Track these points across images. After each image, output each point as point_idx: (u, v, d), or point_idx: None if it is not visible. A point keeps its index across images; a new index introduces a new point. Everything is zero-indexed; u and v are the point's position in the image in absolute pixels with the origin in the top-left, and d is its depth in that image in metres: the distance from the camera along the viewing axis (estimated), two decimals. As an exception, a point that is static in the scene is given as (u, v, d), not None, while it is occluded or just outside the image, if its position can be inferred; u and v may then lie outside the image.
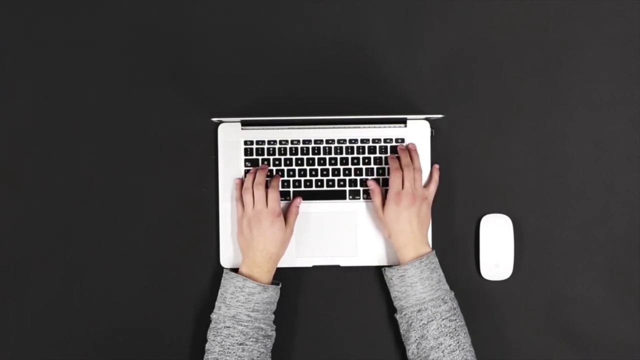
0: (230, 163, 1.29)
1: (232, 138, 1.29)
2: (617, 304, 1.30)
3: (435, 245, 1.28)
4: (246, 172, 1.28)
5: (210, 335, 1.18)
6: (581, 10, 1.31)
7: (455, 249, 1.30)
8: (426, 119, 1.28)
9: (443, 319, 1.16)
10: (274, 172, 1.28)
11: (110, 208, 1.30)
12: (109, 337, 1.29)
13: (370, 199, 1.26)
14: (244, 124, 1.28)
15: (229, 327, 1.16)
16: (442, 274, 1.21)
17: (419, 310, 1.17)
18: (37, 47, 1.30)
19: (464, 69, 1.31)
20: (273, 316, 1.21)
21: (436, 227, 1.29)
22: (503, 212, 1.30)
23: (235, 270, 1.23)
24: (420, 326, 1.17)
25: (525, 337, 1.30)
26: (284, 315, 1.24)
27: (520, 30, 1.31)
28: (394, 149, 1.28)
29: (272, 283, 1.22)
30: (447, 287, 1.20)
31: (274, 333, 1.20)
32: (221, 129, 1.29)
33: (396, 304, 1.22)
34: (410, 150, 1.26)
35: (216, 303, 1.20)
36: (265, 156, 1.28)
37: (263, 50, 1.31)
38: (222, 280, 1.21)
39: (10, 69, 1.31)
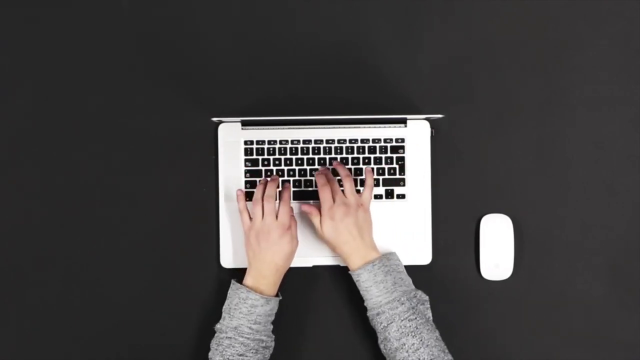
0: (230, 163, 1.29)
1: (232, 138, 1.29)
2: (617, 304, 1.30)
3: (435, 245, 1.28)
4: (246, 172, 1.28)
5: (213, 344, 1.18)
6: (581, 10, 1.31)
7: (455, 249, 1.30)
8: (426, 119, 1.28)
9: (402, 320, 1.15)
10: (274, 173, 1.28)
11: (110, 208, 1.30)
12: (108, 337, 1.29)
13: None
14: (244, 124, 1.28)
15: (230, 337, 1.16)
16: (399, 275, 1.19)
17: (377, 314, 1.17)
18: (37, 47, 1.30)
19: (464, 69, 1.31)
20: (272, 326, 1.21)
21: (436, 227, 1.29)
22: (503, 212, 1.30)
23: (240, 270, 1.23)
24: (381, 329, 1.17)
25: (525, 337, 1.30)
26: (284, 315, 1.24)
27: (520, 30, 1.31)
28: (394, 149, 1.28)
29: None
30: (405, 287, 1.18)
31: (273, 343, 1.20)
32: (221, 129, 1.29)
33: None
34: (335, 164, 1.25)
35: (222, 312, 1.20)
36: (265, 156, 1.28)
37: (263, 51, 1.31)
38: (229, 291, 1.20)
39: (10, 69, 1.30)
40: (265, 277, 1.19)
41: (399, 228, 1.28)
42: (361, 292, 1.20)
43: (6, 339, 1.29)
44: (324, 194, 1.20)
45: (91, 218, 1.29)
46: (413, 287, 1.20)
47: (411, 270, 1.25)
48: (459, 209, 1.30)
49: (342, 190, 1.21)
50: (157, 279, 1.29)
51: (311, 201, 1.27)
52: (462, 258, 1.30)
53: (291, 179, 1.28)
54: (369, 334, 1.29)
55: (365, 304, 1.20)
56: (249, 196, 1.26)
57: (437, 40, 1.31)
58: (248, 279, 1.20)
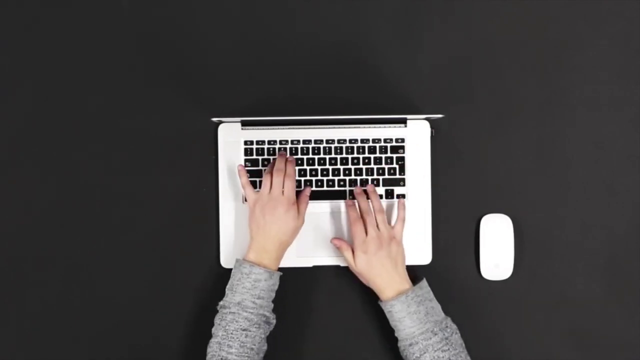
0: (230, 163, 1.29)
1: (232, 138, 1.29)
2: (617, 304, 1.30)
3: (435, 245, 1.28)
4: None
5: (216, 319, 1.18)
6: (581, 10, 1.31)
7: (455, 249, 1.30)
8: (426, 119, 1.28)
9: (435, 351, 1.15)
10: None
11: (110, 208, 1.30)
12: (108, 337, 1.29)
13: (369, 198, 1.26)
14: (244, 124, 1.28)
15: (233, 312, 1.16)
16: (431, 305, 1.20)
17: (410, 344, 1.17)
18: (37, 47, 1.30)
19: (464, 69, 1.31)
20: (272, 304, 1.20)
21: (436, 227, 1.29)
22: (503, 212, 1.30)
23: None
24: (414, 359, 1.17)
25: (525, 337, 1.30)
26: (284, 315, 1.24)
27: (520, 30, 1.31)
28: (394, 149, 1.28)
29: None
30: (437, 317, 1.19)
31: (274, 321, 1.20)
32: (221, 129, 1.29)
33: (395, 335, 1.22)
34: (369, 192, 1.25)
35: (225, 290, 1.20)
36: (265, 156, 1.28)
37: (263, 51, 1.31)
38: (232, 269, 1.21)
39: (10, 69, 1.30)
40: (268, 251, 1.20)
41: (399, 228, 1.28)
42: (392, 323, 1.20)
43: (6, 339, 1.29)
44: (357, 228, 1.21)
45: (91, 218, 1.29)
46: (443, 315, 1.20)
47: (411, 270, 1.25)
48: (459, 209, 1.30)
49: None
50: (157, 279, 1.29)
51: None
52: (462, 258, 1.30)
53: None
54: (369, 334, 1.29)
55: (396, 335, 1.20)
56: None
57: (437, 40, 1.31)
58: (250, 254, 1.20)
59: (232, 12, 1.31)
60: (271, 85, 1.31)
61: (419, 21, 1.31)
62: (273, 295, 1.20)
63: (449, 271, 1.28)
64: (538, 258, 1.30)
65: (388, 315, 1.21)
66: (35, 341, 1.29)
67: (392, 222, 1.26)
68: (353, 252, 1.22)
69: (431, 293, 1.21)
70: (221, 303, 1.19)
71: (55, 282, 1.29)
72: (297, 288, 1.28)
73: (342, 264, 1.28)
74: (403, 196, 1.28)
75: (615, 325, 1.30)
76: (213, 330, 1.18)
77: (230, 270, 1.27)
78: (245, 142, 1.29)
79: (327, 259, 1.28)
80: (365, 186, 1.27)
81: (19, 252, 1.29)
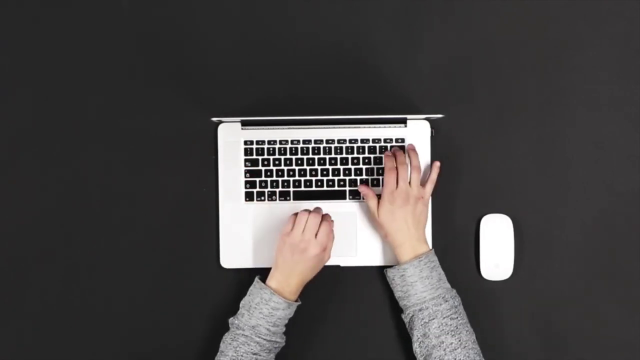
0: (230, 163, 1.29)
1: (232, 138, 1.29)
2: (617, 304, 1.30)
3: (435, 245, 1.28)
4: (246, 172, 1.28)
5: (227, 337, 1.18)
6: (581, 10, 1.31)
7: (455, 249, 1.30)
8: (426, 119, 1.28)
9: (444, 317, 1.16)
10: (273, 173, 1.28)
11: (110, 208, 1.30)
12: (108, 338, 1.29)
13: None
14: (244, 124, 1.28)
15: (247, 335, 1.16)
16: (442, 272, 1.21)
17: (420, 309, 1.17)
18: (37, 47, 1.30)
19: (464, 68, 1.31)
20: (285, 328, 1.21)
21: (436, 227, 1.29)
22: (503, 212, 1.30)
23: (240, 270, 1.23)
24: (421, 325, 1.17)
25: (525, 337, 1.30)
26: (284, 315, 1.24)
27: (520, 30, 1.31)
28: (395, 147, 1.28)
29: None
30: (447, 285, 1.20)
31: (284, 343, 1.21)
32: (221, 129, 1.29)
33: (400, 303, 1.22)
34: (409, 150, 1.26)
35: (240, 308, 1.19)
36: (265, 156, 1.28)
37: (263, 51, 1.31)
38: (251, 288, 1.20)
39: (10, 69, 1.31)
40: (289, 284, 1.19)
41: (399, 228, 1.28)
42: (402, 289, 1.20)
43: (6, 339, 1.29)
44: (389, 178, 1.21)
45: (91, 218, 1.29)
46: (449, 285, 1.21)
47: (411, 270, 1.25)
48: (459, 209, 1.30)
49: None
50: (157, 279, 1.29)
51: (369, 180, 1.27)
52: (462, 258, 1.30)
53: (291, 179, 1.27)
54: (370, 334, 1.29)
55: (403, 302, 1.20)
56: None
57: (437, 40, 1.31)
58: (272, 282, 1.20)
59: (232, 12, 1.31)
60: (271, 85, 1.31)
61: (419, 21, 1.31)
62: (287, 321, 1.21)
63: (449, 271, 1.27)
64: (538, 258, 1.30)
65: (398, 280, 1.20)
66: (35, 341, 1.29)
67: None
68: (379, 202, 1.22)
69: (438, 262, 1.22)
70: (235, 322, 1.18)
71: (55, 282, 1.29)
72: (297, 288, 1.28)
73: (342, 264, 1.28)
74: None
75: (616, 326, 1.29)
76: (222, 346, 1.18)
77: (230, 270, 1.28)
78: (245, 142, 1.29)
79: (328, 259, 1.28)
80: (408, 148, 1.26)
81: (19, 252, 1.29)
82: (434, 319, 1.16)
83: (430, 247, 1.24)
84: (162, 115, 1.30)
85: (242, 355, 1.15)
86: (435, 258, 1.22)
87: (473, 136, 1.31)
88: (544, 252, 1.30)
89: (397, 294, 1.22)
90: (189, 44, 1.31)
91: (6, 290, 1.29)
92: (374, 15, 1.31)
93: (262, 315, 1.17)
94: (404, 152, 1.26)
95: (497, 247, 1.29)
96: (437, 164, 1.26)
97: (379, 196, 1.24)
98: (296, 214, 1.20)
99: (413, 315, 1.19)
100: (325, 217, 1.21)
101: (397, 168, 1.23)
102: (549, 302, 1.30)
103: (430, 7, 1.31)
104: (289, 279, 1.19)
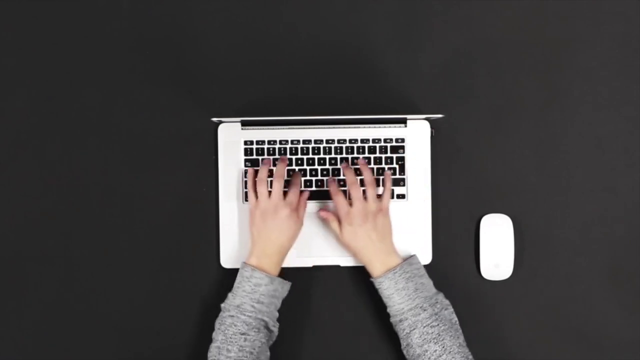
0: (230, 163, 1.29)
1: (232, 138, 1.29)
2: (617, 304, 1.30)
3: (435, 245, 1.28)
4: (246, 172, 1.28)
5: (216, 323, 1.19)
6: (581, 10, 1.31)
7: (455, 249, 1.30)
8: (426, 119, 1.28)
9: (424, 326, 1.16)
10: (273, 173, 1.28)
11: (110, 208, 1.30)
12: (108, 337, 1.29)
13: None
14: (244, 124, 1.28)
15: (232, 316, 1.16)
16: (421, 281, 1.20)
17: (399, 320, 1.18)
18: (37, 47, 1.30)
19: (464, 69, 1.31)
20: (277, 313, 1.21)
21: (436, 227, 1.29)
22: (503, 212, 1.30)
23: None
24: (404, 335, 1.17)
25: (525, 337, 1.30)
26: (284, 315, 1.24)
27: (520, 30, 1.31)
28: (394, 149, 1.28)
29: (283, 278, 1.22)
30: (427, 293, 1.19)
31: (275, 329, 1.20)
32: (221, 129, 1.29)
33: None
34: (360, 165, 1.25)
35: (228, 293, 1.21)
36: (265, 156, 1.28)
37: (263, 51, 1.31)
38: (238, 274, 1.21)
39: (10, 69, 1.31)
40: (268, 255, 1.20)
41: (399, 228, 1.28)
42: (383, 299, 1.21)
43: (6, 339, 1.29)
44: (338, 199, 1.22)
45: (91, 218, 1.29)
46: (434, 290, 1.20)
47: (411, 270, 1.25)
48: (459, 209, 1.30)
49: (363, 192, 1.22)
50: (157, 279, 1.29)
51: (329, 202, 1.27)
52: (462, 258, 1.30)
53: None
54: (369, 334, 1.29)
55: (387, 311, 1.21)
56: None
57: (437, 40, 1.31)
58: (252, 258, 1.21)
59: (231, 12, 1.31)
60: (271, 85, 1.31)
61: (419, 21, 1.31)
62: (276, 302, 1.20)
63: (449, 271, 1.27)
64: (538, 258, 1.30)
65: (379, 292, 1.21)
66: (35, 341, 1.29)
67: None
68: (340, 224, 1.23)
69: (422, 269, 1.21)
70: (223, 305, 1.19)
71: (55, 282, 1.29)
72: (297, 288, 1.28)
73: (342, 264, 1.28)
74: (403, 196, 1.28)
75: (616, 326, 1.30)
76: (213, 335, 1.18)
77: (230, 270, 1.28)
78: (245, 142, 1.29)
79: (327, 259, 1.28)
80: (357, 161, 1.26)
81: (19, 252, 1.29)
82: (414, 329, 1.16)
83: (401, 256, 1.22)
84: (162, 115, 1.30)
85: (230, 337, 1.15)
86: (411, 267, 1.20)
87: (473, 136, 1.31)
88: (544, 252, 1.30)
89: (383, 300, 1.22)
90: (188, 43, 1.31)
91: (6, 290, 1.29)
92: (374, 15, 1.31)
93: (245, 292, 1.17)
94: (351, 170, 1.24)
95: (497, 247, 1.29)
96: (388, 172, 1.25)
97: None
98: (256, 185, 1.22)
99: (395, 326, 1.19)
100: (293, 180, 1.22)
101: (349, 189, 1.22)
102: (549, 302, 1.30)
103: (430, 7, 1.31)
104: (266, 249, 1.20)
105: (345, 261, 1.28)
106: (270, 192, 1.21)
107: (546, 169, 1.30)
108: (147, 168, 1.30)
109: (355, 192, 1.22)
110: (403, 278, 1.18)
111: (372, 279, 1.22)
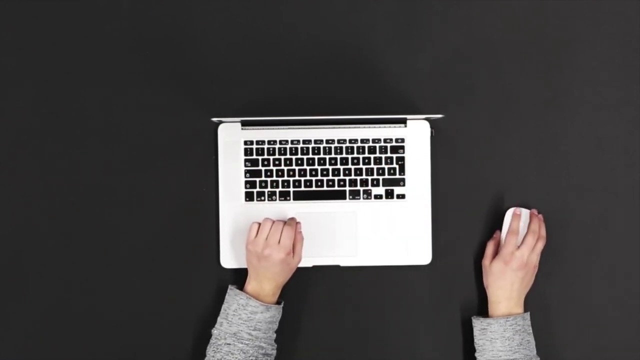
0: (230, 163, 1.29)
1: (232, 138, 1.29)
2: (617, 304, 1.30)
3: (435, 245, 1.28)
4: (246, 172, 1.28)
5: (210, 350, 1.18)
6: (581, 10, 1.31)
7: (455, 249, 1.30)
8: (426, 119, 1.28)
9: None
10: (273, 173, 1.28)
11: (110, 208, 1.30)
12: (107, 338, 1.29)
13: (369, 198, 1.26)
14: (244, 124, 1.28)
15: (229, 344, 1.16)
16: (527, 338, 1.20)
17: None
18: (37, 47, 1.30)
19: (464, 69, 1.31)
20: (275, 335, 1.20)
21: (436, 227, 1.29)
22: (503, 212, 1.29)
23: (240, 270, 1.23)
24: None
25: (525, 337, 1.30)
26: (283, 315, 1.24)
27: (520, 30, 1.31)
28: (394, 149, 1.28)
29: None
30: (528, 352, 1.19)
31: (274, 352, 1.20)
32: (221, 129, 1.29)
33: (475, 353, 1.22)
34: (537, 218, 1.25)
35: (218, 318, 1.20)
36: (265, 156, 1.28)
37: (263, 51, 1.31)
38: (227, 296, 1.21)
39: (10, 69, 1.31)
40: (264, 289, 1.20)
41: (399, 228, 1.28)
42: (480, 341, 1.21)
43: (6, 339, 1.29)
44: (511, 239, 1.22)
45: (91, 218, 1.29)
46: (535, 353, 1.21)
47: (411, 270, 1.25)
48: (459, 209, 1.30)
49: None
50: (156, 279, 1.29)
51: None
52: (462, 258, 1.30)
53: (291, 179, 1.27)
54: (368, 334, 1.29)
55: (477, 354, 1.21)
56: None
57: (437, 40, 1.31)
58: (248, 287, 1.21)
59: (232, 12, 1.31)
60: (271, 85, 1.31)
61: (419, 21, 1.31)
62: (274, 327, 1.20)
63: (449, 271, 1.27)
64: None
65: (477, 332, 1.21)
66: (35, 342, 1.29)
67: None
68: (495, 251, 1.24)
69: (530, 328, 1.22)
70: (215, 332, 1.18)
71: (55, 282, 1.29)
72: (297, 288, 1.28)
73: (342, 264, 1.28)
74: (403, 196, 1.28)
75: (616, 326, 1.29)
76: None
77: (230, 270, 1.28)
78: (245, 142, 1.29)
79: (327, 259, 1.28)
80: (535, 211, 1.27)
81: (19, 252, 1.29)
82: None
83: (525, 311, 1.23)
84: (162, 115, 1.30)
85: None
86: (523, 322, 1.20)
87: (473, 136, 1.30)
88: (544, 252, 1.30)
89: (475, 344, 1.22)
90: (188, 43, 1.31)
91: (6, 290, 1.29)
92: (374, 15, 1.31)
93: (242, 320, 1.17)
94: (538, 220, 1.25)
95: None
96: (540, 217, 1.26)
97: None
98: (259, 223, 1.21)
99: None
100: (289, 222, 1.21)
101: (528, 235, 1.22)
102: (550, 302, 1.30)
103: (430, 7, 1.31)
104: (262, 284, 1.20)
105: (345, 261, 1.28)
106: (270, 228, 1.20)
107: (546, 169, 1.30)
108: (147, 168, 1.30)
109: (531, 240, 1.22)
110: (512, 329, 1.19)
111: (479, 319, 1.21)
